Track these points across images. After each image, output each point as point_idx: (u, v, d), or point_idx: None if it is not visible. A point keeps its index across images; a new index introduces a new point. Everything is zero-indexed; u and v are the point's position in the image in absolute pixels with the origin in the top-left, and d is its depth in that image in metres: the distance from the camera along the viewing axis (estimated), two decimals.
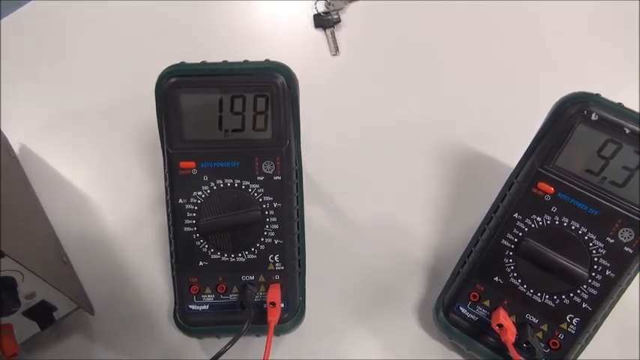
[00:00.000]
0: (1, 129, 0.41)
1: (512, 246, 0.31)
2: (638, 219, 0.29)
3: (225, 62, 0.31)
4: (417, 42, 0.47)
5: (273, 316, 0.30)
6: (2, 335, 0.31)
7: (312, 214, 0.38)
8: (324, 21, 0.49)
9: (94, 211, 0.40)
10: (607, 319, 0.31)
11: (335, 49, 0.48)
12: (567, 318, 0.30)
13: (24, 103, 0.44)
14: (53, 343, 0.35)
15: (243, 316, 0.31)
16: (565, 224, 0.30)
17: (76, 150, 0.42)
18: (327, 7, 0.49)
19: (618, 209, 0.29)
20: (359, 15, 0.49)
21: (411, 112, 0.43)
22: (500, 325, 0.30)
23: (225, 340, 0.30)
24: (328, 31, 0.48)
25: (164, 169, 0.32)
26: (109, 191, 0.40)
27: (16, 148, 0.42)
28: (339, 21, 0.49)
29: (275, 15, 0.49)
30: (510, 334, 0.30)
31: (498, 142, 0.41)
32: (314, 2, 0.50)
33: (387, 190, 0.40)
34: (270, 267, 0.32)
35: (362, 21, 0.49)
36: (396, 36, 0.48)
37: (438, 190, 0.40)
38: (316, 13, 0.49)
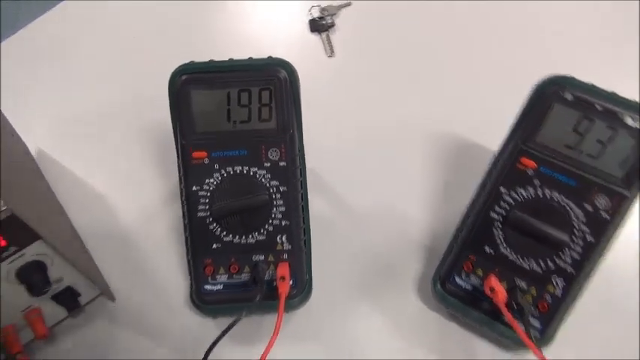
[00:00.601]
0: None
1: (500, 218, 0.34)
2: (612, 187, 0.32)
3: (231, 60, 0.34)
4: (409, 42, 0.50)
5: (284, 289, 0.33)
6: (33, 318, 0.34)
7: (316, 204, 0.41)
8: (319, 25, 0.52)
9: (109, 207, 0.42)
10: (590, 291, 0.33)
11: (330, 51, 0.51)
12: (553, 281, 0.33)
13: (34, 107, 0.47)
14: (78, 329, 0.38)
15: (256, 292, 0.33)
16: (547, 195, 0.33)
17: (87, 150, 0.45)
18: (321, 13, 0.53)
19: (594, 179, 0.32)
20: (352, 18, 0.52)
21: (407, 108, 0.46)
22: (492, 289, 0.33)
23: (240, 321, 0.32)
24: (323, 35, 0.52)
25: (177, 160, 0.35)
26: (122, 188, 0.43)
27: (32, 151, 0.45)
28: (333, 25, 0.52)
29: (272, 20, 0.52)
30: (501, 297, 0.32)
31: (488, 132, 0.43)
32: (309, 8, 0.53)
33: (384, 182, 0.43)
34: (279, 247, 0.35)
35: (355, 24, 0.52)
36: (389, 37, 0.51)
37: (432, 179, 0.43)
38: (311, 18, 0.52)
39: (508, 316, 0.32)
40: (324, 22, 0.52)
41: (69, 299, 0.35)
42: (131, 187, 0.43)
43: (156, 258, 0.40)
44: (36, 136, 0.45)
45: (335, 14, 0.53)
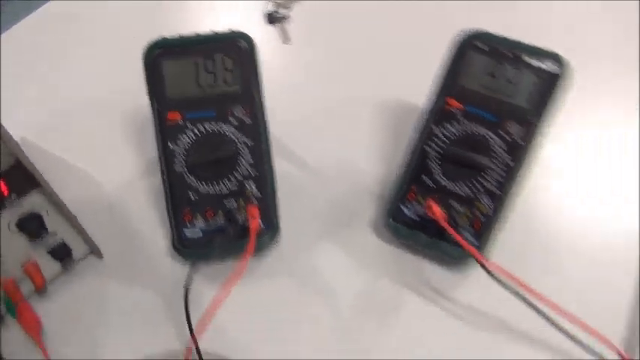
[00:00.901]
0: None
1: (434, 151, 0.40)
2: (523, 117, 0.38)
3: (197, 34, 0.39)
4: (356, 26, 0.57)
5: (254, 225, 0.38)
6: (32, 270, 0.38)
7: (282, 166, 0.46)
8: (275, 18, 0.58)
9: (92, 181, 0.47)
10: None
11: (286, 39, 0.57)
12: (483, 202, 0.39)
13: (22, 102, 0.52)
14: (70, 285, 0.42)
15: (229, 230, 0.38)
16: (472, 129, 0.39)
17: (70, 136, 0.49)
18: (276, 7, 0.59)
19: (509, 112, 0.38)
20: (305, 10, 0.59)
21: (356, 80, 0.53)
22: (432, 211, 0.38)
23: (219, 267, 0.37)
24: (279, 25, 0.58)
25: (155, 125, 0.40)
26: (104, 164, 0.48)
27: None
28: (288, 16, 0.58)
29: (231, 15, 0.59)
30: (441, 216, 0.38)
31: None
32: (266, 3, 0.59)
33: (341, 144, 0.49)
34: (249, 193, 0.40)
35: (308, 15, 0.58)
36: (338, 23, 0.57)
37: (381, 137, 0.49)
38: (267, 11, 0.59)
39: (449, 229, 0.37)
40: (279, 15, 0.58)
41: (63, 254, 0.39)
42: (112, 163, 0.48)
43: (138, 219, 0.45)
44: (18, 126, 0.49)
45: (289, 8, 0.59)
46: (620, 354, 0.37)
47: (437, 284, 0.41)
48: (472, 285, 0.41)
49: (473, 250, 0.37)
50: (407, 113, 0.49)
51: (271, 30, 0.58)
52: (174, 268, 0.42)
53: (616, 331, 0.39)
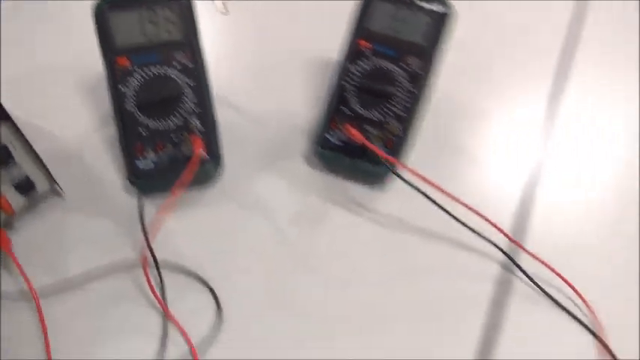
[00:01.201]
0: None
1: (350, 85, 0.47)
2: (421, 52, 0.46)
3: None
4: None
5: (197, 148, 0.44)
6: (2, 202, 0.42)
7: (224, 114, 0.52)
8: None
9: (49, 135, 0.51)
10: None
11: (225, 10, 0.63)
12: (393, 124, 0.46)
13: None
14: (32, 222, 0.46)
15: (178, 159, 0.44)
16: (381, 65, 0.46)
17: (29, 100, 0.54)
18: None
19: (408, 48, 0.46)
20: None
21: (290, 40, 0.59)
22: (351, 133, 0.46)
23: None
24: (218, 2, 0.64)
25: (106, 72, 0.45)
26: (61, 122, 0.52)
27: None
28: None
29: None
30: (358, 137, 0.45)
31: None
32: None
33: (278, 92, 0.55)
34: (193, 127, 0.46)
35: None
36: None
37: (311, 84, 0.56)
38: None
39: (366, 142, 0.45)
40: None
41: (28, 187, 0.44)
42: (69, 120, 0.52)
43: (95, 164, 0.50)
44: None
45: None
46: (507, 237, 0.45)
47: (360, 199, 0.48)
48: (391, 198, 0.49)
49: (387, 156, 0.45)
50: (331, 63, 0.57)
51: (211, 3, 0.64)
52: (130, 202, 0.47)
53: (508, 222, 0.47)
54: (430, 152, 0.50)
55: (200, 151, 0.45)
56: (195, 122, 0.46)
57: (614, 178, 0.51)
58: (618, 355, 0.42)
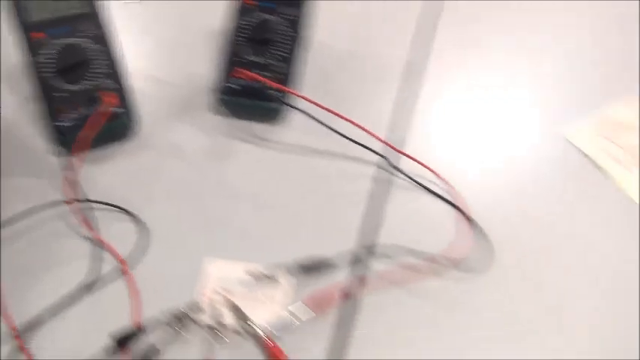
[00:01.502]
0: None
1: (241, 37, 0.55)
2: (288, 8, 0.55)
3: None
4: None
5: (112, 104, 0.51)
6: None
7: (145, 82, 0.59)
8: None
9: None
10: None
11: None
12: (279, 64, 0.55)
13: None
14: None
15: (96, 110, 0.51)
16: (264, 17, 0.55)
17: None
18: None
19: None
20: None
21: (193, 20, 0.67)
22: (244, 73, 0.54)
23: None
24: None
25: (24, 45, 0.52)
26: None
27: None
28: None
29: None
30: (251, 75, 0.53)
31: None
32: None
33: (187, 60, 0.62)
34: (108, 86, 0.53)
35: None
36: None
37: (215, 50, 0.64)
38: None
39: (259, 78, 0.53)
40: None
41: None
42: None
43: (24, 134, 0.55)
44: None
45: None
46: (383, 141, 0.54)
47: (262, 135, 0.56)
48: (289, 132, 0.56)
49: (277, 85, 0.53)
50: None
51: None
52: (55, 161, 0.54)
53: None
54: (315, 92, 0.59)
55: (115, 99, 0.52)
56: (110, 82, 0.53)
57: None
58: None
